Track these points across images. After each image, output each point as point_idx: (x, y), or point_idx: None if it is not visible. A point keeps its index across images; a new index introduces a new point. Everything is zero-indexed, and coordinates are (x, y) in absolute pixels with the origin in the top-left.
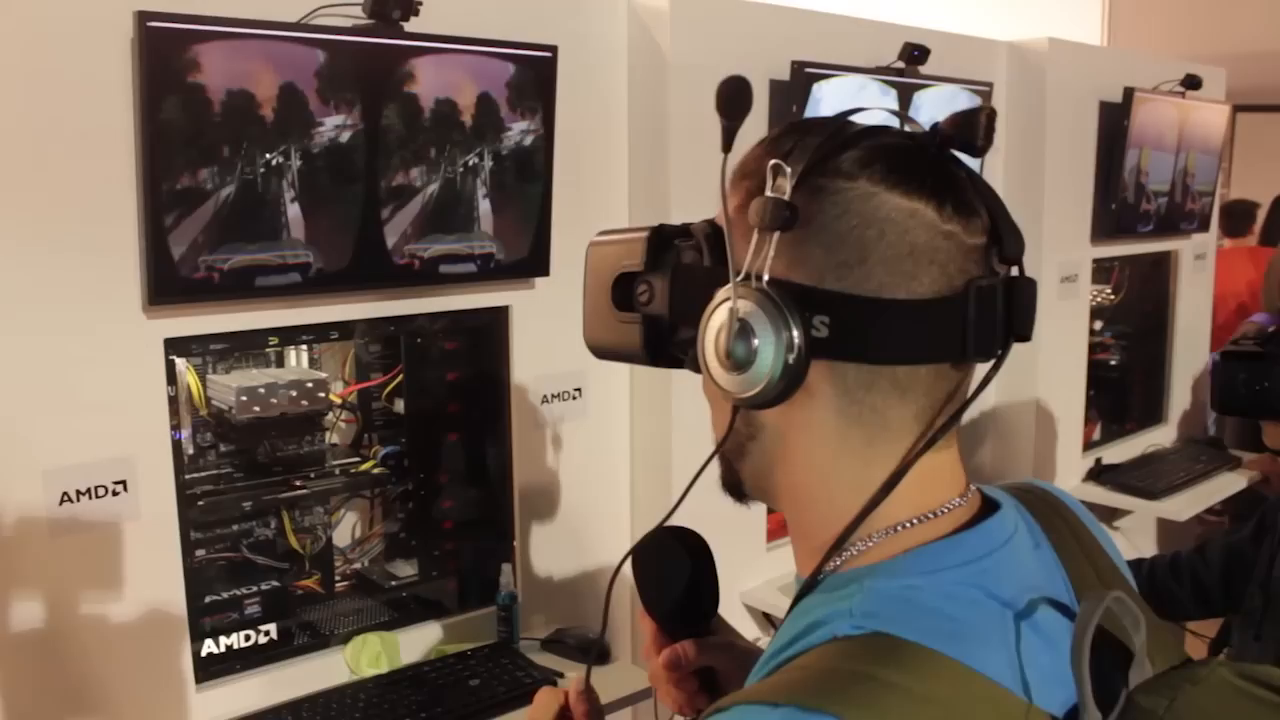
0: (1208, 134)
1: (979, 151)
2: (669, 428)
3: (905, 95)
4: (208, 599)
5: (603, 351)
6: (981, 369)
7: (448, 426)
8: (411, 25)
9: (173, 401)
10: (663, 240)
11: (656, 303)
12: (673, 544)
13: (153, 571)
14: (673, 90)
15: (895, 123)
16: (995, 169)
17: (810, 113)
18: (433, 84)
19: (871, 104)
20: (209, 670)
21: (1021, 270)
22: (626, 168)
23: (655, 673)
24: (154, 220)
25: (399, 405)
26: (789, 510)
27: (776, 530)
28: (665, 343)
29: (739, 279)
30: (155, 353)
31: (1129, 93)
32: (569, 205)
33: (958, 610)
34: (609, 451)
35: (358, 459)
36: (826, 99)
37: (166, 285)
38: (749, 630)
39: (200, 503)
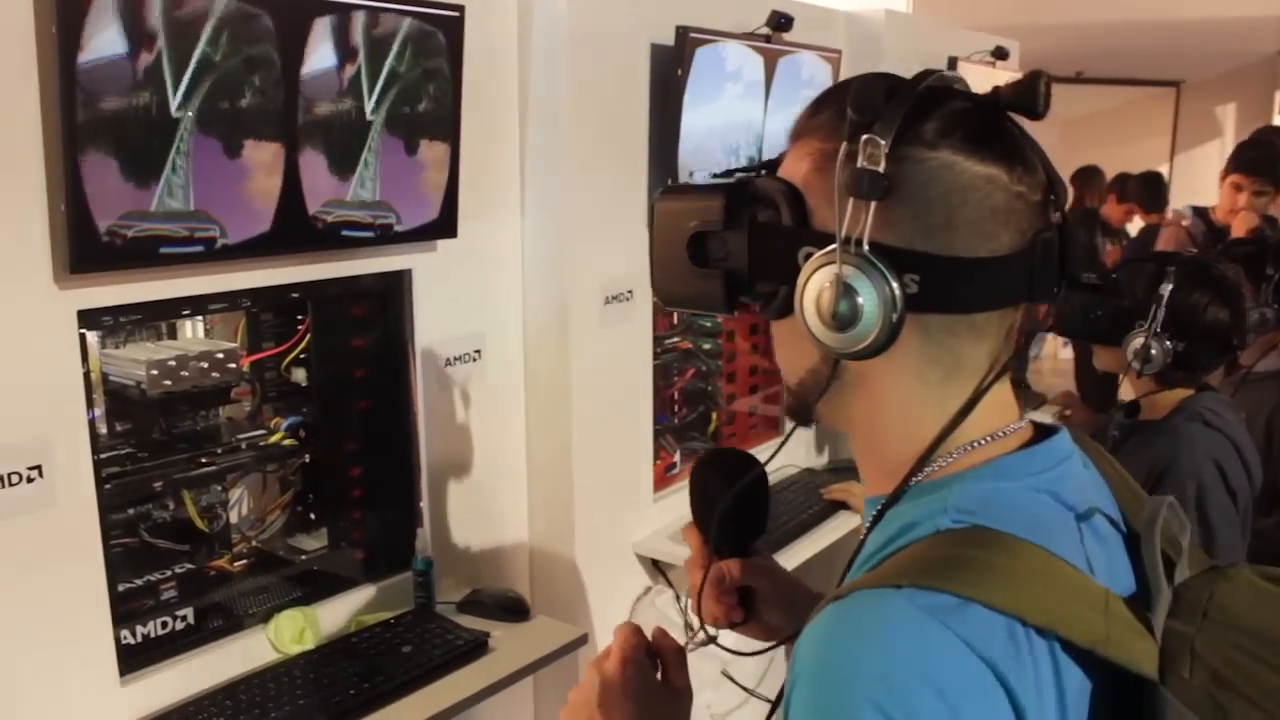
0: None
1: (1039, 115)
2: (568, 385)
3: (771, 61)
4: (121, 587)
5: (677, 303)
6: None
7: (351, 393)
8: None
9: (87, 378)
10: (736, 199)
11: (734, 258)
12: (730, 468)
13: (73, 561)
14: (566, 52)
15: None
16: None
17: (694, 78)
18: (343, 42)
19: (747, 71)
20: (130, 662)
21: (1065, 218)
22: (518, 131)
23: (697, 585)
24: (73, 184)
25: (296, 375)
26: (864, 437)
27: (660, 481)
28: (741, 294)
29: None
30: (69, 326)
31: (953, 61)
32: (463, 168)
33: (1036, 509)
34: (506, 411)
35: (264, 431)
36: (707, 65)
37: (89, 253)
38: (640, 579)
39: (108, 485)
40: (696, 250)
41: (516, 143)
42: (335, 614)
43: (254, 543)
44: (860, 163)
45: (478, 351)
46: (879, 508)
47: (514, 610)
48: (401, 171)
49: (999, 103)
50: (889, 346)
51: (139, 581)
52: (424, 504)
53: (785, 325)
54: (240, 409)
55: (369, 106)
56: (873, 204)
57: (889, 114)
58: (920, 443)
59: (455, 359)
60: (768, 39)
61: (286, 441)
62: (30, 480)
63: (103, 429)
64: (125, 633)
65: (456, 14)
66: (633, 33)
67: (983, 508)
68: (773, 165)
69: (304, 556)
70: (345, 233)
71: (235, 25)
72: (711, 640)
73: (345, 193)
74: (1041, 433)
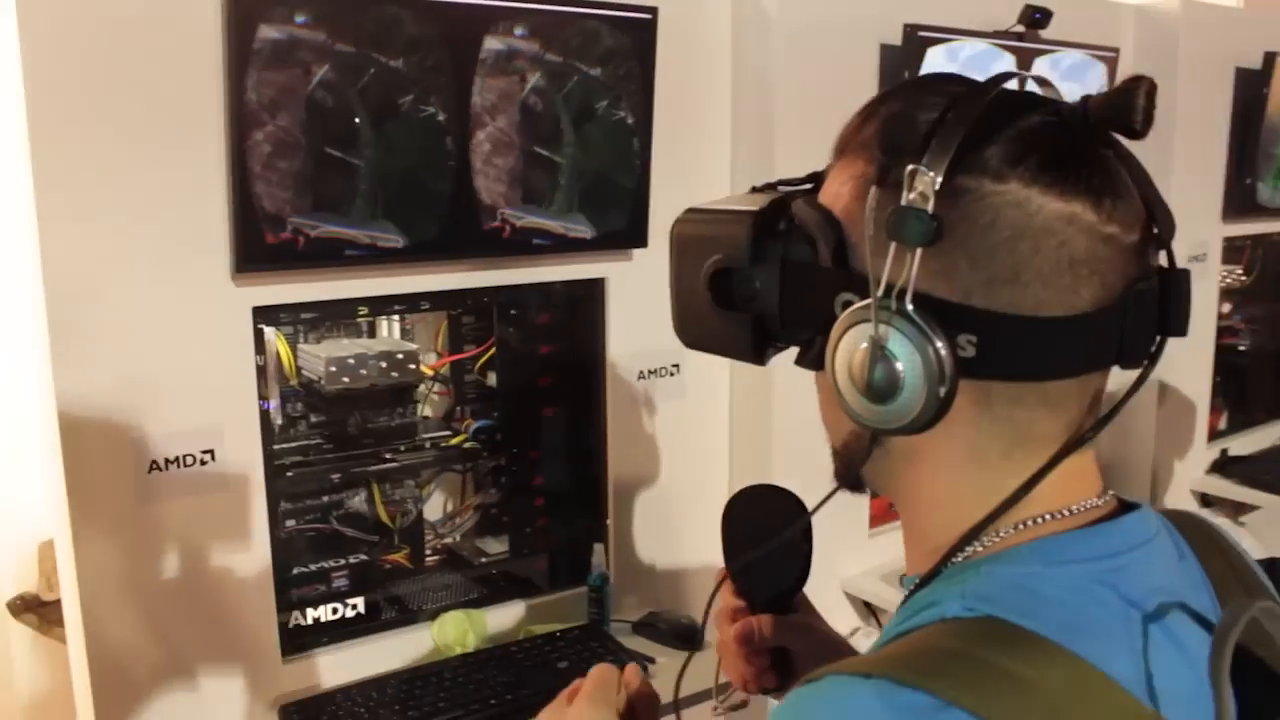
0: None
1: (1139, 134)
2: (770, 409)
3: (1024, 61)
4: (295, 570)
5: (698, 346)
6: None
7: (541, 401)
8: None
9: (261, 371)
10: (765, 230)
11: (762, 299)
12: (772, 510)
13: (240, 542)
14: (778, 53)
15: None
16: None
17: None
18: (527, 47)
19: (993, 72)
20: (295, 643)
21: (1172, 258)
22: (729, 135)
23: (725, 642)
24: (241, 188)
25: (491, 379)
26: (908, 511)
27: (880, 516)
28: (774, 340)
29: (875, 299)
30: (244, 321)
31: (1270, 58)
32: (669, 175)
33: (1081, 604)
34: (706, 432)
35: (449, 432)
36: (941, 66)
37: (254, 252)
38: (849, 619)
39: (289, 474)
40: (719, 288)
41: (727, 150)
42: (507, 619)
43: (445, 540)
44: (905, 198)
45: (676, 366)
46: (911, 588)
47: (686, 638)
48: (589, 179)
49: (1087, 117)
50: (936, 423)
51: (312, 567)
52: (610, 520)
53: (826, 379)
54: (437, 408)
55: (554, 112)
56: (918, 252)
57: (944, 133)
58: (966, 522)
59: (650, 372)
60: (1020, 36)
61: (469, 444)
62: (203, 463)
63: (280, 420)
64: (296, 614)
65: (649, 16)
66: (856, 32)
67: (1006, 596)
68: (819, 179)
69: (484, 559)
70: (536, 240)
71: (414, 28)
72: (743, 705)
73: (534, 200)
74: (1127, 511)
